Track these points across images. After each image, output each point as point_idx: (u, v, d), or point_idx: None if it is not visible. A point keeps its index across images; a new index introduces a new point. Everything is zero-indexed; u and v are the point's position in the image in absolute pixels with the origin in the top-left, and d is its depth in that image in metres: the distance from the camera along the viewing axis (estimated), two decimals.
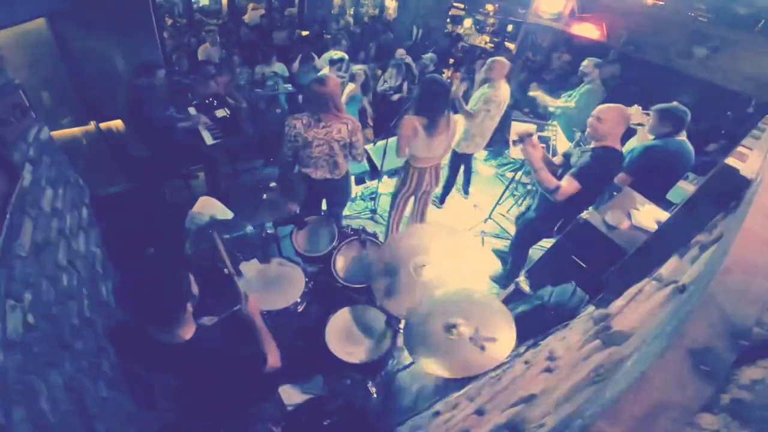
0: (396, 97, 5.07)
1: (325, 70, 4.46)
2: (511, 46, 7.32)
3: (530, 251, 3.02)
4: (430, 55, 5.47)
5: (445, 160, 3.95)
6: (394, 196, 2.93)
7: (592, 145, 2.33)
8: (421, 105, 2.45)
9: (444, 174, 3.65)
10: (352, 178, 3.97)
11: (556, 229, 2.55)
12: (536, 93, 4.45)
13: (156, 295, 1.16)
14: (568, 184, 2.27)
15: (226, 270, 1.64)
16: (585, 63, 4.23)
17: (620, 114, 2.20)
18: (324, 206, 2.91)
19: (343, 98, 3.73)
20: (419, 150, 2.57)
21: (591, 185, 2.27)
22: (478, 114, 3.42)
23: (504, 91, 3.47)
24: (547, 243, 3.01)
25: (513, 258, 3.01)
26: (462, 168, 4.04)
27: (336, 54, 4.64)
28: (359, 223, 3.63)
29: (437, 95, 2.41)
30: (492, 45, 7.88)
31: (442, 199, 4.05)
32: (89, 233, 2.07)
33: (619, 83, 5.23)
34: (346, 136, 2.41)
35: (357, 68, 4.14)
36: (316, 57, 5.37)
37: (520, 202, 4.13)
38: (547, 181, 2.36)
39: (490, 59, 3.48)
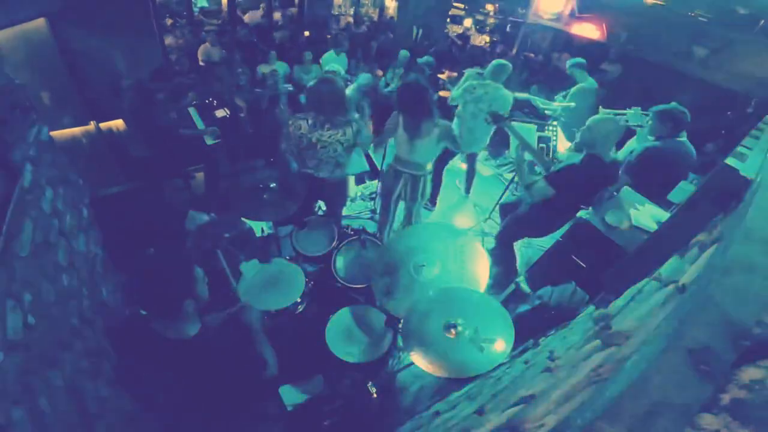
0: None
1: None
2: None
3: (530, 251, 3.01)
4: (426, 58, 5.42)
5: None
6: (383, 198, 2.91)
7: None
8: (400, 106, 2.46)
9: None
10: (352, 178, 3.98)
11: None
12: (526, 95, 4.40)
13: (163, 280, 1.17)
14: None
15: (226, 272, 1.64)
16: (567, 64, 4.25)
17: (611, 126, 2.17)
18: (323, 207, 2.90)
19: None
20: (400, 149, 2.59)
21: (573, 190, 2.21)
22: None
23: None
24: (546, 243, 3.00)
25: (499, 253, 2.91)
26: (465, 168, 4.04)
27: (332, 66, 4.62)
28: (359, 223, 3.63)
29: (414, 99, 2.38)
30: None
31: (433, 201, 3.92)
32: (89, 233, 2.07)
33: (618, 83, 5.23)
34: (351, 138, 2.39)
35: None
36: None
37: None
38: None
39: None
